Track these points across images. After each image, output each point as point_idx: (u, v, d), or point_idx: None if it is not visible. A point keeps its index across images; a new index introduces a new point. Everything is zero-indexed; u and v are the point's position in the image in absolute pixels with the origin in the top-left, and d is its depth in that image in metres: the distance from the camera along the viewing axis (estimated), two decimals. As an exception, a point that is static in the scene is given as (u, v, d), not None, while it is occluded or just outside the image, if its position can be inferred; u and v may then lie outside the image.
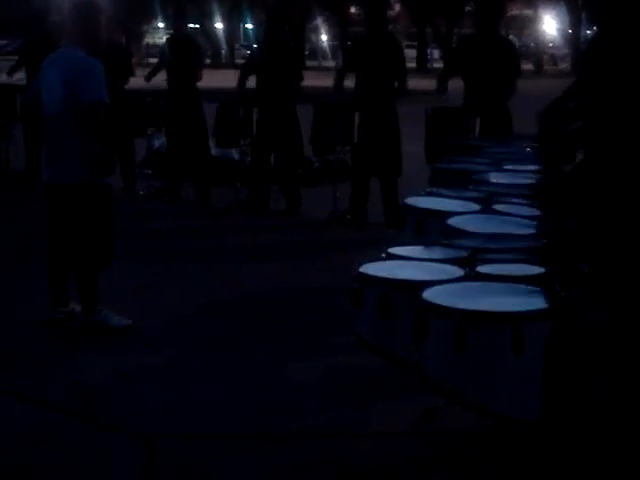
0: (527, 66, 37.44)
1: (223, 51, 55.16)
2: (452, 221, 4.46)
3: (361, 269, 3.88)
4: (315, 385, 4.89)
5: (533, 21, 55.43)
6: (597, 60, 4.58)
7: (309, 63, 43.47)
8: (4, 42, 35.45)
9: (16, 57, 11.65)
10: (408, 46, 39.83)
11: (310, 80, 11.39)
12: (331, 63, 43.63)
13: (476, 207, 4.78)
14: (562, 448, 3.63)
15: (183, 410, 4.51)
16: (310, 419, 4.46)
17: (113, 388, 4.83)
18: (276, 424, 4.38)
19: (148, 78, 10.32)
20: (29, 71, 10.38)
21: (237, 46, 58.14)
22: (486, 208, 4.76)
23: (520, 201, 4.91)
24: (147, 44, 55.56)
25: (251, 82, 9.46)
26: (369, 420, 4.45)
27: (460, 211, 4.67)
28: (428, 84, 11.04)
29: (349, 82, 8.87)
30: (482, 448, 3.94)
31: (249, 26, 56.86)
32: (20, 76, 10.83)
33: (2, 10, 45.88)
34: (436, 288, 3.58)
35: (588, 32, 48.22)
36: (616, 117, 4.38)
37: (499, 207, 4.77)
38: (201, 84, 9.85)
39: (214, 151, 10.27)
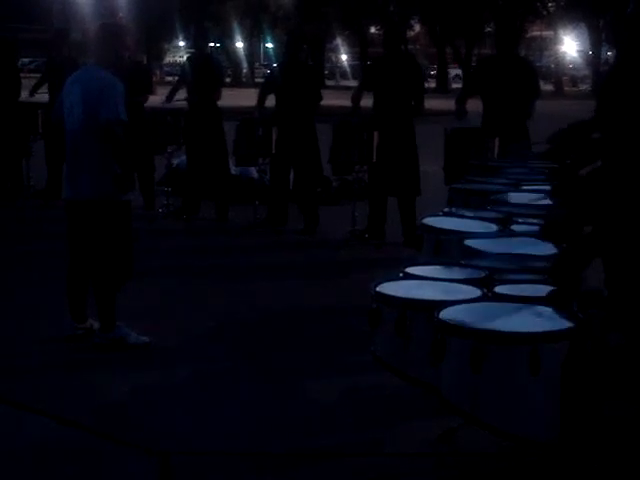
0: (547, 87, 37.42)
1: (244, 70, 55.46)
2: (470, 241, 4.45)
3: (378, 288, 3.88)
4: (331, 404, 4.88)
5: (553, 42, 55.43)
6: (616, 87, 4.58)
7: (327, 82, 43.63)
8: (26, 60, 35.80)
9: (38, 75, 11.77)
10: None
11: (329, 100, 11.42)
12: (351, 83, 43.78)
13: (494, 227, 4.78)
14: (579, 471, 3.60)
15: (200, 427, 4.51)
16: (327, 438, 4.45)
17: (130, 404, 4.85)
18: (292, 442, 4.37)
19: (169, 99, 10.37)
20: (51, 89, 10.49)
21: (257, 65, 58.45)
22: (504, 228, 4.76)
23: (538, 222, 4.89)
24: (164, 63, 55.89)
25: (270, 101, 9.50)
26: (385, 440, 4.43)
27: (478, 231, 4.66)
28: (447, 104, 11.05)
29: (367, 102, 8.90)
30: (498, 470, 3.92)
31: (269, 45, 57.14)
32: (43, 94, 10.94)
33: (24, 29, 46.36)
34: (453, 308, 3.58)
35: (609, 53, 48.24)
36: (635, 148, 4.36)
37: (517, 228, 4.76)
38: (221, 103, 9.90)
39: (233, 169, 10.31)
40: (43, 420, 3.86)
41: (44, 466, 4.10)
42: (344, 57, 61.70)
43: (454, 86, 44.39)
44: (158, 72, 46.20)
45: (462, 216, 5.04)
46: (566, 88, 50.13)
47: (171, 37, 53.21)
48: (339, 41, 56.21)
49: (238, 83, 46.31)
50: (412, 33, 55.53)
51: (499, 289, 3.82)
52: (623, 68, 4.57)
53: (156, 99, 10.49)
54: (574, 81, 55.50)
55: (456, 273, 4.12)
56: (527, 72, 8.46)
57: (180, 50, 56.12)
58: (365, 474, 3.97)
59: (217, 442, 4.35)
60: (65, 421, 3.87)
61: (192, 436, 4.40)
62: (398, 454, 4.17)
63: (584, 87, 50.15)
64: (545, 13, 52.10)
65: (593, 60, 49.58)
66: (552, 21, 52.52)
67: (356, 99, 8.97)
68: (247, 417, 4.67)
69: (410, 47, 45.46)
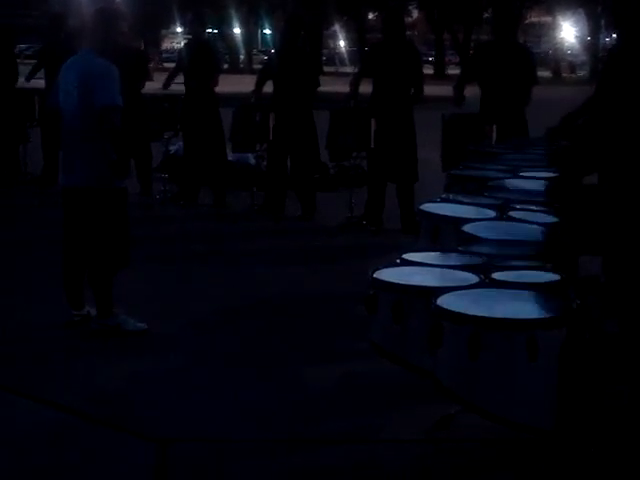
0: (545, 73, 37.36)
1: (241, 56, 55.29)
2: (467, 227, 4.45)
3: (375, 275, 3.88)
4: (329, 391, 4.89)
5: (552, 28, 55.32)
6: (617, 69, 4.57)
7: (326, 69, 43.49)
8: (23, 46, 35.68)
9: (35, 61, 11.73)
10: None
11: (327, 86, 11.40)
12: (349, 69, 43.65)
13: (492, 214, 4.77)
14: (575, 456, 3.61)
15: (198, 414, 4.51)
16: (324, 425, 4.45)
17: (128, 391, 4.84)
18: (290, 429, 4.38)
19: (166, 85, 10.35)
20: (48, 75, 10.44)
21: (255, 51, 58.26)
22: (502, 215, 4.75)
23: (536, 208, 4.89)
24: (162, 49, 55.76)
25: (268, 87, 9.48)
26: (383, 427, 4.44)
27: (475, 218, 4.66)
28: (445, 90, 11.03)
29: (366, 88, 8.88)
30: (496, 456, 3.92)
31: (267, 31, 57.02)
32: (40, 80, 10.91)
33: (21, 15, 46.19)
34: (451, 294, 3.57)
35: (607, 39, 48.14)
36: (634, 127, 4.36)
37: (515, 214, 4.76)
38: (218, 89, 9.87)
39: (230, 156, 10.30)
40: (41, 407, 3.86)
41: (41, 453, 4.10)
42: (342, 43, 61.53)
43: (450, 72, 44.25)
44: (157, 58, 46.07)
45: (460, 202, 5.03)
46: (564, 74, 50.05)
47: (168, 23, 53.04)
48: (337, 27, 56.03)
49: (235, 69, 46.17)
50: (410, 19, 55.36)
51: (497, 275, 3.81)
52: (626, 51, 4.56)
53: (154, 85, 10.46)
54: (572, 67, 55.37)
55: (453, 259, 4.12)
56: (525, 59, 8.44)
57: (177, 36, 55.90)
58: (362, 461, 3.97)
59: (215, 429, 4.35)
60: (63, 408, 3.87)
61: (190, 423, 4.40)
62: (395, 440, 4.17)
63: (582, 73, 50.04)
64: (543, -1, 52.00)
65: (591, 46, 49.49)
66: (550, 7, 52.43)
67: (354, 84, 8.95)
68: (245, 404, 4.67)
69: (408, 33, 45.31)
